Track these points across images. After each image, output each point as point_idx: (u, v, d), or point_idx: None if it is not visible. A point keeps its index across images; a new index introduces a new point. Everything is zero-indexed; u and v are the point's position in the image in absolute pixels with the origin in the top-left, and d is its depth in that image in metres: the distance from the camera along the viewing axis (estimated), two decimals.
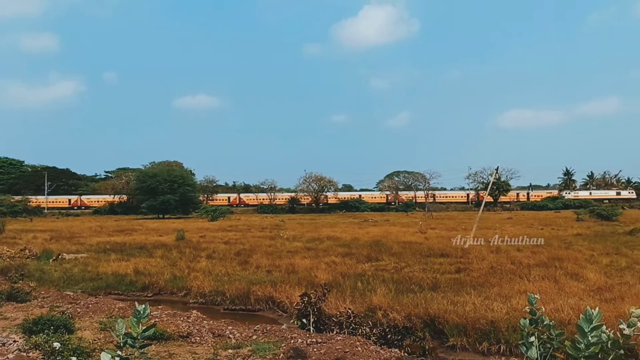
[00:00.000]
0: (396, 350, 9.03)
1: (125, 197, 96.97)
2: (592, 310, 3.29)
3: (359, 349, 8.42)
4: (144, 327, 3.47)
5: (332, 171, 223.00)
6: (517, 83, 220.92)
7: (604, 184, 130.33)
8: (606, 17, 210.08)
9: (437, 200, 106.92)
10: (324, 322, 10.60)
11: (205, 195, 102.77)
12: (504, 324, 10.22)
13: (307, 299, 10.65)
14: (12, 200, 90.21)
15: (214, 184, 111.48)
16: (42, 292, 15.09)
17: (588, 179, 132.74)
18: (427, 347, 10.35)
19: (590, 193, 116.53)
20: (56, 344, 7.65)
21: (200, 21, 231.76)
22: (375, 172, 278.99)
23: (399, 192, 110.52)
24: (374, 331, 10.19)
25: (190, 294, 16.38)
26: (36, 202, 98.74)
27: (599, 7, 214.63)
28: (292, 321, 11.37)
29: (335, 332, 9.93)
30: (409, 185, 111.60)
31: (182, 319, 11.28)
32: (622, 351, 3.25)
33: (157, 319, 10.75)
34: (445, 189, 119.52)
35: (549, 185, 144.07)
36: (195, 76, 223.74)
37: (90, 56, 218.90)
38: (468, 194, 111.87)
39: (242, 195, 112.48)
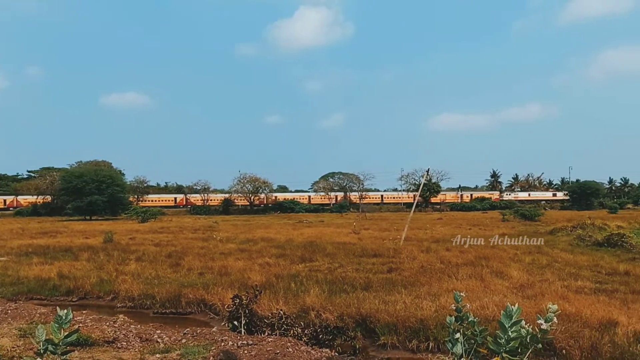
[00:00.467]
0: (327, 350, 9.03)
1: (49, 198, 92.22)
2: (512, 306, 3.40)
3: (290, 350, 8.37)
4: (66, 333, 3.33)
5: (267, 172, 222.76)
6: (446, 87, 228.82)
7: (528, 185, 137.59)
8: (531, 24, 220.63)
9: (385, 201, 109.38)
10: (256, 323, 10.47)
11: (136, 196, 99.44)
12: (433, 322, 10.44)
13: (238, 300, 10.50)
14: None
15: (145, 185, 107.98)
16: None
17: (513, 180, 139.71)
18: (358, 346, 10.44)
19: (529, 194, 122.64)
20: None
21: (132, 18, 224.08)
22: (311, 174, 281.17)
23: (334, 193, 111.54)
24: (305, 332, 10.16)
25: (118, 297, 15.71)
26: None
27: (524, 15, 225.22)
28: (223, 324, 11.14)
29: (267, 334, 9.82)
30: (344, 186, 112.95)
31: (108, 323, 10.78)
32: (540, 345, 3.38)
33: (81, 324, 10.20)
34: (378, 190, 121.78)
35: (477, 187, 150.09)
36: (124, 73, 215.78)
37: (12, 49, 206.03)
38: (415, 195, 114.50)
39: (189, 196, 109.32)
